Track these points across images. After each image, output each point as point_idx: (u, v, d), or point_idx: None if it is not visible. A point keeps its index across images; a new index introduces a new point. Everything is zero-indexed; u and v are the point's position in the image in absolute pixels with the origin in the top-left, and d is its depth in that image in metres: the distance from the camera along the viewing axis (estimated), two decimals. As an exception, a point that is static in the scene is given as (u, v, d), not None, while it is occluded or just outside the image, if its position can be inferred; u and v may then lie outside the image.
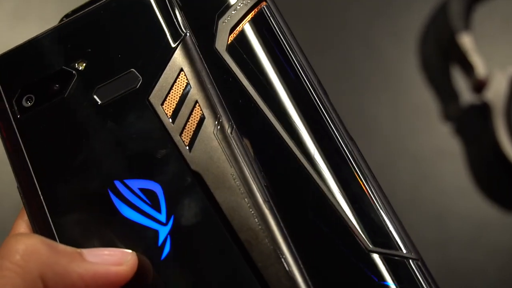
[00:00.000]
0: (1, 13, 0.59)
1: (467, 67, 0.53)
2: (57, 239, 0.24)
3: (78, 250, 0.23)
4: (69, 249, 0.23)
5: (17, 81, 0.27)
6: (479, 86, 0.52)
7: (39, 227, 0.25)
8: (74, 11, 0.28)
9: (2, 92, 0.27)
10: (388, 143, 0.54)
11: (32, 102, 0.26)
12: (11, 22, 0.58)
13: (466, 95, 0.54)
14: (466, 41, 0.52)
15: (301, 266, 0.23)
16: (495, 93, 0.51)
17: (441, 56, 0.56)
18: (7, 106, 0.26)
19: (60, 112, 0.26)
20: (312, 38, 0.57)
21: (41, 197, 0.25)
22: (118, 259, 0.23)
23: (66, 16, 0.28)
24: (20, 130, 0.26)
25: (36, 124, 0.26)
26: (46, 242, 0.23)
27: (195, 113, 0.25)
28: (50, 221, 0.25)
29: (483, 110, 0.52)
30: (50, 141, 0.26)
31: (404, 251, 0.23)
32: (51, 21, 0.56)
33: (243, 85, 0.25)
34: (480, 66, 0.51)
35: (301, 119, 0.25)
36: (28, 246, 0.22)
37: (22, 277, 0.22)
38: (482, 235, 0.51)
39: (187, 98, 0.25)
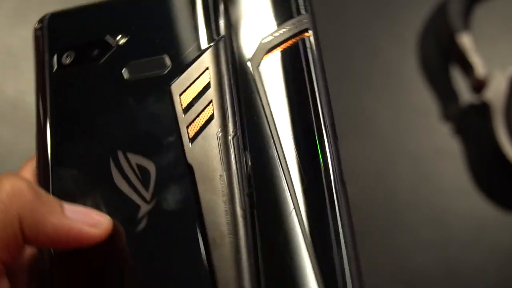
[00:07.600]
0: (1, 13, 0.59)
1: (467, 67, 0.53)
2: (51, 186, 0.26)
3: (60, 202, 0.25)
4: (52, 199, 0.25)
5: (64, 38, 0.29)
6: (478, 86, 0.52)
7: (40, 171, 0.27)
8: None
9: (47, 45, 0.29)
10: (388, 143, 0.54)
11: (70, 61, 0.28)
12: (11, 22, 0.58)
13: (466, 95, 0.54)
14: (466, 41, 0.52)
15: (256, 279, 0.23)
16: (494, 93, 0.51)
17: (441, 56, 0.56)
18: (47, 58, 0.29)
19: (90, 77, 0.28)
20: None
21: (50, 146, 0.27)
22: (94, 221, 0.25)
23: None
24: (52, 82, 0.28)
25: (67, 81, 0.28)
26: (32, 187, 0.24)
27: (206, 111, 0.26)
28: (51, 169, 0.27)
29: (483, 110, 0.52)
30: (74, 100, 0.28)
31: None
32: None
33: (262, 104, 0.26)
34: (479, 66, 0.51)
35: (303, 154, 0.25)
36: (15, 187, 0.23)
37: (3, 213, 0.23)
38: (482, 235, 0.51)
39: (204, 95, 0.26)
